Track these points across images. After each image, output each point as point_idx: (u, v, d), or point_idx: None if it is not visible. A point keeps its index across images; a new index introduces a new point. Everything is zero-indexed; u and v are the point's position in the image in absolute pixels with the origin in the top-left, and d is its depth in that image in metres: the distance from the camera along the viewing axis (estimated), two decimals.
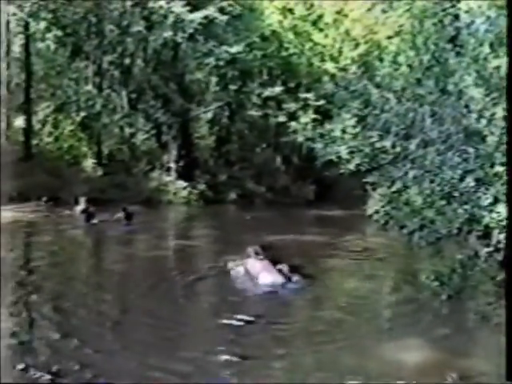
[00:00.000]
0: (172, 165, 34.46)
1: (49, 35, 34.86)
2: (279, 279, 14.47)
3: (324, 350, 10.16)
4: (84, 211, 24.87)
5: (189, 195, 32.76)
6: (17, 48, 36.17)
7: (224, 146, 37.60)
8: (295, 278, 14.83)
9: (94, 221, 24.08)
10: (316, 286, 14.74)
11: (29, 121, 34.48)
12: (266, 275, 14.58)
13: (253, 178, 35.20)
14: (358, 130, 23.83)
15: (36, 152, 34.46)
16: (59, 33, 34.03)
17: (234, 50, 32.03)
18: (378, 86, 18.88)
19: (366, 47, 34.79)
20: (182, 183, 33.11)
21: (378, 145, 18.13)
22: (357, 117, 22.91)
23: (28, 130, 34.41)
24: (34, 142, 34.94)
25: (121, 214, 24.36)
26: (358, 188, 27.11)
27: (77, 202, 26.10)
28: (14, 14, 33.12)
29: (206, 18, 31.37)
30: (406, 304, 13.19)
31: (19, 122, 35.62)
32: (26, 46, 34.57)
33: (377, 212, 25.27)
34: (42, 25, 34.06)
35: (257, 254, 16.12)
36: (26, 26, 33.75)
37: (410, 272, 16.94)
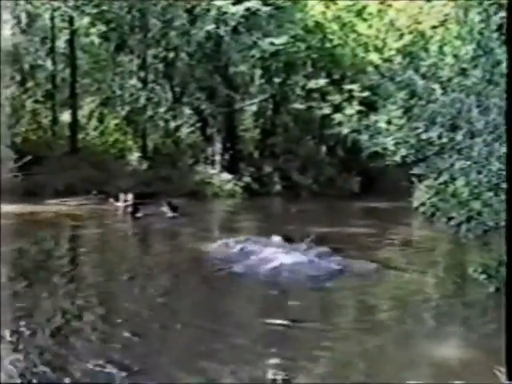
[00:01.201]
0: (217, 158, 34.52)
1: (93, 30, 35.15)
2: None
3: (373, 342, 10.05)
4: (129, 205, 24.97)
5: (234, 188, 32.78)
6: (62, 43, 36.44)
7: (269, 139, 37.55)
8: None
9: (139, 214, 24.16)
10: (363, 278, 14.59)
11: (74, 115, 34.76)
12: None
13: (298, 170, 35.14)
14: (403, 121, 23.61)
15: (82, 146, 34.73)
16: (103, 28, 34.27)
17: (278, 41, 31.93)
18: (423, 76, 18.64)
19: (411, 37, 34.36)
20: (226, 176, 33.14)
21: (423, 136, 17.91)
22: (402, 108, 22.69)
23: (74, 125, 34.69)
24: (80, 136, 35.22)
25: (165, 207, 24.44)
26: (403, 180, 26.93)
27: (122, 196, 26.21)
28: (59, 9, 33.34)
29: (248, 10, 31.31)
30: (454, 297, 13.01)
31: (65, 116, 35.92)
32: (71, 41, 34.83)
33: (423, 204, 25.13)
34: (87, 20, 34.29)
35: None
36: (71, 21, 33.96)
37: (457, 264, 16.72)
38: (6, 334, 9.58)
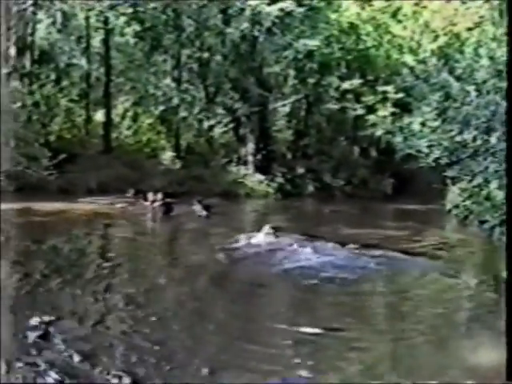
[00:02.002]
0: (249, 158, 34.52)
1: (128, 30, 35.31)
2: None
3: (403, 345, 9.99)
4: (161, 204, 25.03)
5: (266, 188, 32.79)
6: (96, 43, 36.68)
7: (302, 139, 37.52)
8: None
9: (172, 213, 24.23)
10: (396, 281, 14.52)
11: (108, 114, 34.94)
12: None
13: (330, 172, 35.09)
14: (437, 123, 23.47)
15: (115, 145, 34.90)
16: (138, 27, 34.41)
17: (312, 43, 31.91)
18: (458, 78, 18.55)
19: (446, 39, 34.17)
20: (259, 176, 33.16)
21: (458, 138, 17.83)
22: (437, 110, 22.55)
23: (108, 124, 34.87)
24: (114, 135, 35.38)
25: (197, 207, 24.51)
26: (436, 182, 26.77)
27: (152, 195, 26.29)
28: (94, 9, 33.55)
29: (282, 10, 31.29)
30: (487, 303, 12.86)
31: (99, 115, 36.16)
32: (106, 41, 35.03)
33: (456, 206, 24.99)
34: (122, 20, 34.48)
35: None
36: (106, 21, 34.15)
37: (491, 269, 16.55)
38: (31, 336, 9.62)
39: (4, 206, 22.23)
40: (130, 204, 26.90)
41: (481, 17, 29.49)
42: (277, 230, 18.82)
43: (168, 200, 25.08)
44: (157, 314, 11.01)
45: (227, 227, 21.86)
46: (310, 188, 34.13)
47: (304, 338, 9.83)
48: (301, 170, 34.97)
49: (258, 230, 18.88)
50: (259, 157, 34.44)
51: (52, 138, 33.37)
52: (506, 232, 9.98)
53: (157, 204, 25.20)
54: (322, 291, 13.33)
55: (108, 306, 11.54)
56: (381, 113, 31.71)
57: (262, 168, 33.77)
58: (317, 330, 10.13)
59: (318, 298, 12.96)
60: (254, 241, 17.91)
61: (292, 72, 36.36)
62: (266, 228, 18.62)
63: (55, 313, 10.59)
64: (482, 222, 20.05)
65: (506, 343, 8.22)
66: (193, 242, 19.99)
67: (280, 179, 33.52)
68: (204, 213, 24.05)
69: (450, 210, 25.69)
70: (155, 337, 9.67)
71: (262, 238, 18.05)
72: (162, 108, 36.54)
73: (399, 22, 35.65)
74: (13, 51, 32.48)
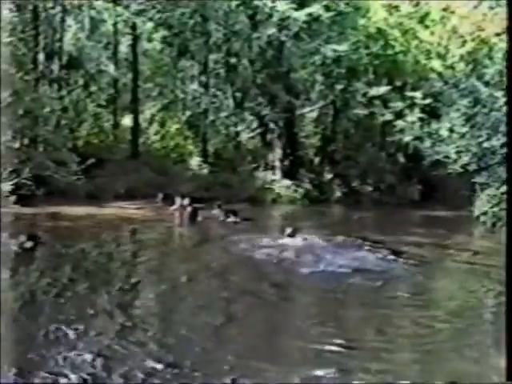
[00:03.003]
0: (277, 163, 34.52)
1: (156, 35, 35.47)
2: None
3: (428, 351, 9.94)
4: (189, 209, 25.08)
5: (293, 194, 32.78)
6: (124, 48, 36.88)
7: (329, 145, 37.47)
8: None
9: (199, 218, 24.27)
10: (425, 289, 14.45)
11: (136, 119, 35.10)
12: None
13: (358, 177, 35.01)
14: (466, 129, 23.39)
15: (143, 150, 35.05)
16: (166, 33, 34.54)
17: (340, 48, 31.86)
18: (487, 83, 18.48)
19: (474, 44, 33.99)
20: (286, 182, 33.15)
21: (486, 144, 17.77)
22: (465, 115, 22.45)
23: (135, 129, 35.05)
24: (141, 140, 35.55)
25: (216, 211, 24.66)
26: (464, 188, 26.63)
27: (179, 200, 26.38)
28: (122, 15, 33.72)
29: (310, 15, 31.28)
30: None
31: (127, 120, 36.34)
32: (134, 47, 35.19)
33: (484, 213, 24.80)
34: (149, 25, 34.62)
35: None
36: (134, 27, 34.31)
37: None
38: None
39: (33, 210, 22.42)
40: (157, 209, 27.01)
41: None
42: (304, 235, 18.87)
43: (195, 205, 25.13)
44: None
45: (254, 232, 21.86)
46: (338, 194, 34.06)
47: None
48: (328, 176, 34.92)
49: (285, 234, 18.92)
50: (286, 162, 34.44)
51: (80, 143, 33.64)
52: (506, 232, 9.93)
53: (186, 209, 25.28)
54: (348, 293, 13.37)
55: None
56: (409, 118, 31.54)
57: (290, 174, 33.77)
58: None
59: (343, 300, 13.00)
60: (281, 244, 17.95)
61: (319, 77, 36.32)
62: (291, 231, 18.71)
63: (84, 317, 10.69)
64: None
65: (505, 343, 8.21)
66: (219, 246, 19.97)
67: (307, 185, 33.51)
68: (233, 219, 24.07)
69: (478, 217, 25.53)
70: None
71: (290, 242, 18.10)
72: (189, 113, 36.72)
73: (427, 27, 35.47)
74: (41, 57, 32.77)
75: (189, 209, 24.95)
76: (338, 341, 9.87)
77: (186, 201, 25.85)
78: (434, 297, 14.23)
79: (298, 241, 18.39)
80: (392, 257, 16.57)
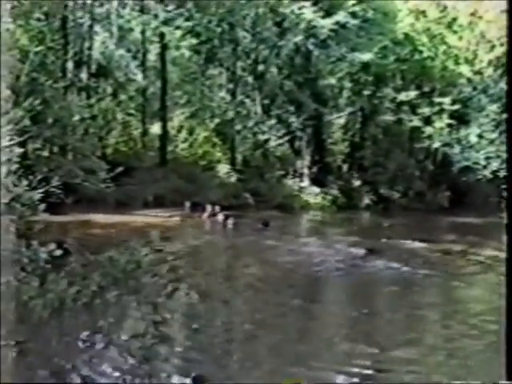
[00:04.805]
0: (305, 170, 34.47)
1: (184, 43, 35.52)
2: None
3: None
4: (221, 217, 25.14)
5: (322, 201, 32.71)
6: (152, 56, 36.99)
7: (357, 152, 37.31)
8: None
9: (230, 225, 24.31)
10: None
11: (164, 127, 35.18)
12: None
13: (386, 184, 34.80)
14: (495, 134, 23.23)
15: (171, 158, 35.09)
16: (194, 41, 34.61)
17: (367, 56, 31.83)
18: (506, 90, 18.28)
19: (503, 49, 33.76)
20: (315, 189, 33.09)
21: None
22: (494, 121, 22.29)
23: (164, 137, 35.12)
24: (170, 148, 35.58)
25: (220, 216, 24.90)
26: (494, 195, 26.41)
27: (209, 208, 26.48)
28: (150, 23, 33.85)
29: (337, 23, 31.26)
30: None
31: (155, 128, 36.41)
32: (162, 55, 35.30)
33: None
34: (177, 33, 34.68)
35: None
36: (162, 35, 34.40)
37: None
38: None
39: (62, 218, 22.55)
40: (186, 217, 27.06)
41: None
42: (333, 242, 18.87)
43: (226, 213, 25.19)
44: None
45: (284, 240, 21.83)
46: (366, 201, 33.91)
47: None
48: (356, 183, 34.77)
49: (316, 241, 18.91)
50: (315, 169, 34.39)
51: (109, 150, 33.77)
52: (506, 232, 9.84)
53: (217, 216, 25.37)
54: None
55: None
56: (437, 124, 31.42)
57: (318, 181, 33.70)
58: None
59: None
60: (310, 251, 17.96)
61: (347, 84, 36.27)
62: (322, 239, 18.74)
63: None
64: None
65: (505, 343, 8.17)
66: (251, 253, 19.96)
67: (335, 192, 33.42)
68: (262, 226, 24.15)
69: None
70: None
71: (320, 248, 18.12)
72: (217, 121, 36.73)
73: (455, 32, 35.28)
74: (70, 65, 32.99)
75: (220, 216, 25.03)
76: None
77: (217, 208, 25.98)
78: None
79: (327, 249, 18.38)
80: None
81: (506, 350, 8.06)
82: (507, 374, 7.83)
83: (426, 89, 35.11)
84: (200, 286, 14.72)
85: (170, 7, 33.61)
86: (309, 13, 31.11)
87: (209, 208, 26.36)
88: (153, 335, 10.35)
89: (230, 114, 35.44)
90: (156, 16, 33.41)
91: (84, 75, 33.71)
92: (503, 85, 20.43)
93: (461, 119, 30.35)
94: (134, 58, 37.12)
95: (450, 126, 30.75)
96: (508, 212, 9.16)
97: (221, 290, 14.23)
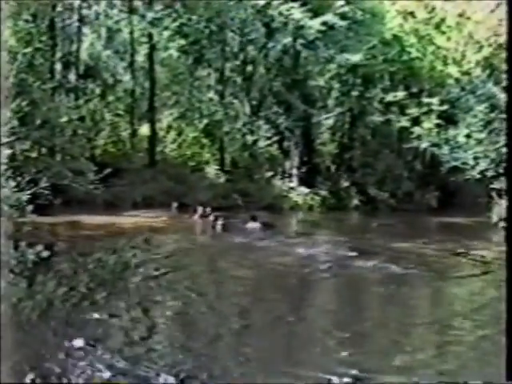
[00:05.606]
0: (294, 171, 34.52)
1: (172, 44, 35.51)
2: None
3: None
4: (212, 218, 25.15)
5: (311, 202, 32.76)
6: (141, 57, 36.95)
7: (346, 152, 37.38)
8: None
9: (219, 226, 24.30)
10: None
11: (153, 128, 35.18)
12: None
13: (375, 185, 34.87)
14: (483, 134, 23.28)
15: (160, 159, 35.09)
16: (182, 42, 34.63)
17: (356, 58, 31.89)
18: (504, 89, 18.35)
19: (491, 50, 33.87)
20: (303, 190, 33.13)
21: (504, 150, 17.60)
22: (482, 121, 22.34)
23: (152, 138, 35.11)
24: (158, 149, 35.57)
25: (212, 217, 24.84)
26: (482, 195, 26.46)
27: (200, 209, 26.51)
28: (138, 24, 33.85)
29: (325, 24, 31.30)
30: None
31: (144, 129, 36.42)
32: (150, 56, 35.28)
33: (503, 219, 24.67)
34: (166, 34, 34.67)
35: None
36: (150, 36, 34.40)
37: None
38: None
39: (51, 219, 22.49)
40: (174, 218, 27.07)
41: None
42: (323, 243, 18.90)
43: (216, 214, 25.20)
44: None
45: (275, 240, 21.84)
46: (355, 201, 33.97)
47: None
48: (345, 183, 34.83)
49: (306, 241, 18.91)
50: (303, 170, 34.44)
51: (98, 152, 33.73)
52: (506, 233, 9.87)
53: (208, 218, 25.39)
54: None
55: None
56: (426, 125, 31.46)
57: (307, 181, 33.74)
58: None
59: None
60: (299, 252, 18.00)
61: (335, 84, 36.32)
62: (310, 239, 18.76)
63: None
64: None
65: (505, 343, 8.19)
66: (240, 254, 19.94)
67: (324, 192, 33.47)
68: (261, 228, 24.19)
69: (496, 223, 25.38)
70: None
71: (310, 249, 18.16)
72: (206, 122, 36.73)
73: (443, 33, 35.33)
74: (58, 66, 32.97)
75: (211, 217, 25.05)
76: None
77: (208, 209, 26.04)
78: None
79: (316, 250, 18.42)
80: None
81: (506, 350, 8.08)
82: (507, 374, 7.84)
83: (415, 89, 35.16)
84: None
85: (158, 7, 33.60)
86: (297, 13, 31.12)
87: (199, 209, 26.40)
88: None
89: (219, 115, 35.46)
90: (143, 16, 33.40)
91: (72, 76, 33.68)
92: (491, 85, 20.49)
93: (449, 119, 30.39)
94: (122, 59, 37.12)
95: (438, 126, 30.81)
96: (508, 212, 9.20)
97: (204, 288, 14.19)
